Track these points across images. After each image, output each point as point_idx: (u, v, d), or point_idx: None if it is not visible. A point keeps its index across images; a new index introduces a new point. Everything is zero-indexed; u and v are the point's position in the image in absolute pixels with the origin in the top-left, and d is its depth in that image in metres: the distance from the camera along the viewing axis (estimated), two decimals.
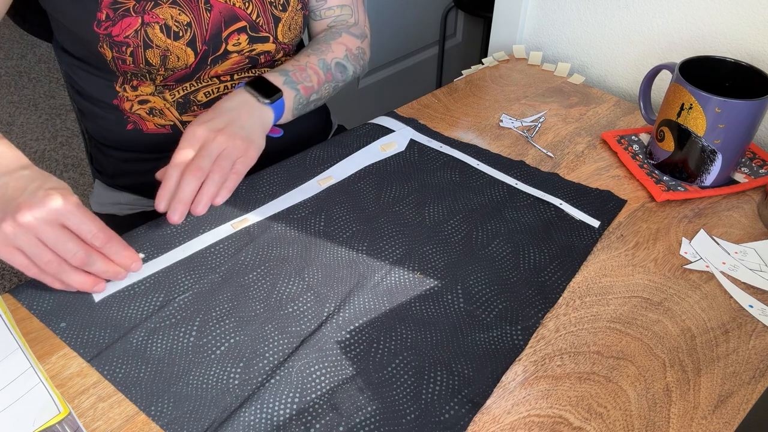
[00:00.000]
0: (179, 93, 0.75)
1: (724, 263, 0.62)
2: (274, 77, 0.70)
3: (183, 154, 0.60)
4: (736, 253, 0.63)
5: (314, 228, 0.65)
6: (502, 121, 0.84)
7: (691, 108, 0.68)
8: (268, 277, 0.59)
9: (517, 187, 0.72)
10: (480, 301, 0.58)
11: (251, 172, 0.73)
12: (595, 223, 0.67)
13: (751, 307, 0.58)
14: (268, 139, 0.84)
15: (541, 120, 0.85)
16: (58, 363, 0.52)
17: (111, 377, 0.50)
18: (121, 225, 0.81)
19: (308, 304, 0.57)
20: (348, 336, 0.54)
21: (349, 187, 0.71)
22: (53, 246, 0.51)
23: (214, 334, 0.54)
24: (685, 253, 0.64)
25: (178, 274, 0.59)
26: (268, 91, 0.68)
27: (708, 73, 0.72)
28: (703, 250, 0.64)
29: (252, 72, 0.79)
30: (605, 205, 0.69)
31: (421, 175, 0.73)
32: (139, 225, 0.66)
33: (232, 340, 0.53)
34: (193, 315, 0.55)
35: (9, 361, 0.49)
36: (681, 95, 0.69)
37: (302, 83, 0.73)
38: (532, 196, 0.70)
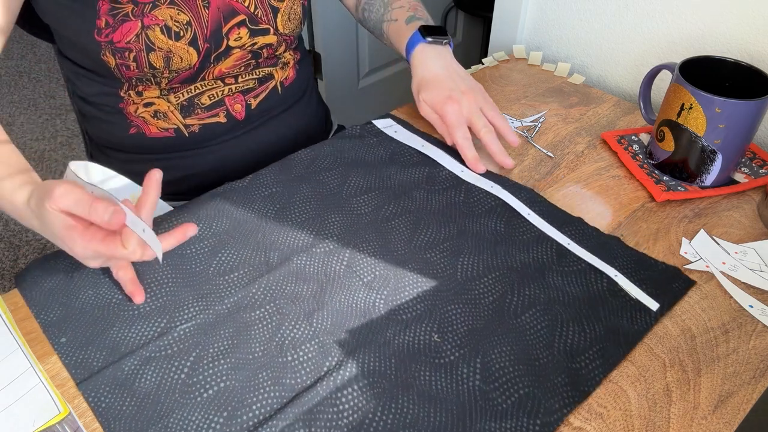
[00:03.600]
0: (184, 95, 0.75)
1: (724, 263, 0.62)
2: (418, 24, 0.78)
3: (462, 130, 0.72)
4: (736, 253, 0.63)
5: (336, 265, 0.60)
6: None
7: (691, 108, 0.68)
8: (275, 316, 0.55)
9: (569, 247, 0.62)
10: (499, 382, 0.50)
11: (251, 171, 0.73)
12: (654, 305, 0.57)
13: (751, 307, 0.58)
14: (267, 139, 0.84)
15: (541, 120, 0.85)
16: (58, 363, 0.52)
17: (95, 405, 0.48)
18: None
19: (309, 355, 0.52)
20: (343, 400, 0.49)
21: (382, 224, 0.65)
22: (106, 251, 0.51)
23: (205, 374, 0.51)
24: (685, 253, 0.64)
25: (186, 299, 0.57)
26: (436, 32, 0.77)
27: (708, 73, 0.72)
28: (703, 250, 0.64)
29: (256, 72, 0.79)
30: (670, 283, 0.59)
31: (463, 219, 0.66)
32: None
33: (222, 384, 0.50)
34: (190, 349, 0.53)
35: (9, 361, 0.49)
36: (681, 95, 0.69)
37: (428, 19, 0.81)
38: (585, 261, 0.61)
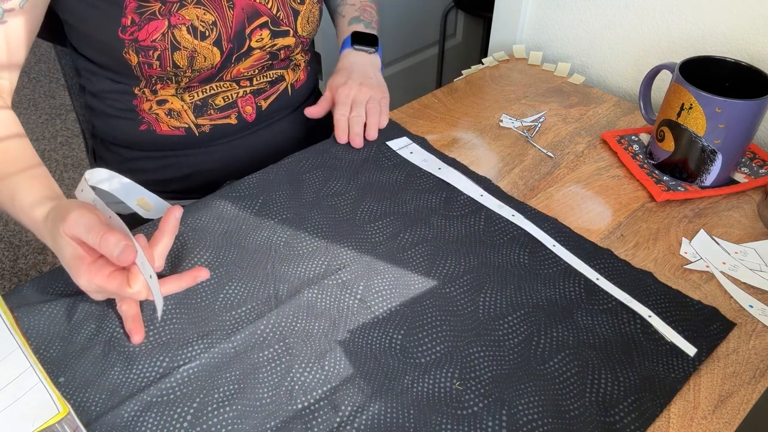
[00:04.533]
0: (198, 95, 0.75)
1: (724, 263, 0.62)
2: (359, 27, 0.85)
3: (344, 108, 0.77)
4: (736, 253, 0.63)
5: (349, 300, 0.57)
6: (502, 121, 0.84)
7: (691, 108, 0.68)
8: (284, 357, 0.52)
9: (599, 283, 0.59)
10: None
11: (253, 170, 0.73)
12: (691, 350, 0.52)
13: (751, 307, 0.58)
14: (273, 139, 0.84)
15: (541, 120, 0.85)
16: None
17: None
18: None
19: (321, 403, 0.49)
20: None
21: (398, 254, 0.62)
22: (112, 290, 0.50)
23: (209, 423, 0.47)
24: (685, 253, 0.63)
25: (191, 336, 0.54)
26: (368, 41, 0.84)
27: (708, 73, 0.72)
28: (703, 250, 0.64)
29: (270, 75, 0.79)
30: (707, 325, 0.55)
31: (483, 250, 0.62)
32: (141, 224, 0.66)
33: None
34: (193, 393, 0.49)
35: (9, 361, 0.49)
36: (681, 95, 0.69)
37: (372, 20, 0.87)
38: (615, 299, 0.57)
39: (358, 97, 0.78)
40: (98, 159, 0.87)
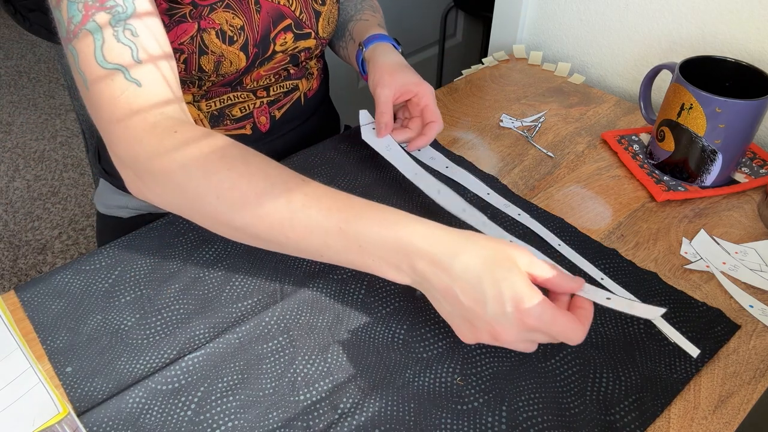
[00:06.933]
0: (215, 105, 0.74)
1: (724, 263, 0.62)
2: (381, 30, 0.82)
3: (387, 116, 0.72)
4: (736, 253, 0.63)
5: (352, 296, 0.57)
6: (502, 121, 0.84)
7: (691, 108, 0.68)
8: (288, 349, 0.52)
9: (603, 282, 0.58)
10: None
11: None
12: (694, 351, 0.51)
13: (752, 307, 0.57)
14: (283, 149, 0.83)
15: (541, 120, 0.85)
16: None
17: None
18: (124, 227, 0.81)
19: (323, 395, 0.49)
20: None
21: None
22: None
23: (213, 412, 0.48)
24: (686, 253, 0.63)
25: (197, 327, 0.54)
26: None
27: (708, 73, 0.72)
28: (704, 250, 0.64)
29: (286, 85, 0.79)
30: (712, 327, 0.55)
31: None
32: (141, 227, 0.65)
33: (230, 423, 0.47)
34: (198, 383, 0.50)
35: (9, 361, 0.49)
36: (681, 95, 0.69)
37: (381, 22, 0.86)
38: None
39: (432, 98, 0.76)
40: (102, 161, 0.86)
